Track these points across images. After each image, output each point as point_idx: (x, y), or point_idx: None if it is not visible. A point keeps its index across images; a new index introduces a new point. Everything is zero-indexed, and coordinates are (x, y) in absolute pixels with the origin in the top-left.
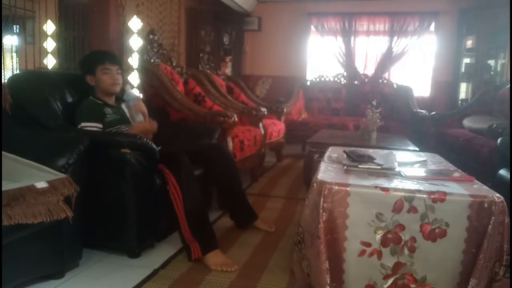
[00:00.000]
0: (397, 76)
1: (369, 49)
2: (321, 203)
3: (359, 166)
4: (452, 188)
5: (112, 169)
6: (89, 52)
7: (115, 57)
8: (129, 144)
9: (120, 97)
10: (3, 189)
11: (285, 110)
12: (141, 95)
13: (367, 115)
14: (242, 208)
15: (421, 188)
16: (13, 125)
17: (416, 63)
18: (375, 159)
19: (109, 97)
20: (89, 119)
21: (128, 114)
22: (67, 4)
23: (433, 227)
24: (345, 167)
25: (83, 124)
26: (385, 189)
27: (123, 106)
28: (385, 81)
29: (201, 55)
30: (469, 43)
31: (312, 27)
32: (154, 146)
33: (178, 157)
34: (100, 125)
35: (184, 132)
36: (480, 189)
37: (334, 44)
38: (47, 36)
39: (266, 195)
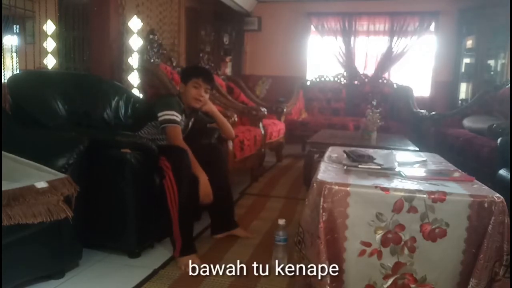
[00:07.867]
0: (397, 76)
1: (369, 49)
2: (321, 203)
3: (359, 166)
4: (452, 188)
5: (112, 169)
6: (193, 65)
7: (211, 78)
8: (129, 144)
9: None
10: (3, 189)
11: (285, 110)
12: (141, 95)
13: (367, 115)
14: (224, 214)
15: (421, 188)
16: (13, 125)
17: (416, 63)
18: (375, 159)
19: (187, 106)
20: (172, 109)
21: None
22: (67, 4)
23: (433, 227)
24: (345, 167)
25: (166, 112)
26: (385, 189)
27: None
28: (385, 81)
29: (201, 55)
30: (469, 43)
31: (312, 27)
32: (154, 146)
33: (181, 155)
34: (180, 117)
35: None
36: (480, 189)
37: (334, 44)
38: (47, 36)
39: (266, 195)
